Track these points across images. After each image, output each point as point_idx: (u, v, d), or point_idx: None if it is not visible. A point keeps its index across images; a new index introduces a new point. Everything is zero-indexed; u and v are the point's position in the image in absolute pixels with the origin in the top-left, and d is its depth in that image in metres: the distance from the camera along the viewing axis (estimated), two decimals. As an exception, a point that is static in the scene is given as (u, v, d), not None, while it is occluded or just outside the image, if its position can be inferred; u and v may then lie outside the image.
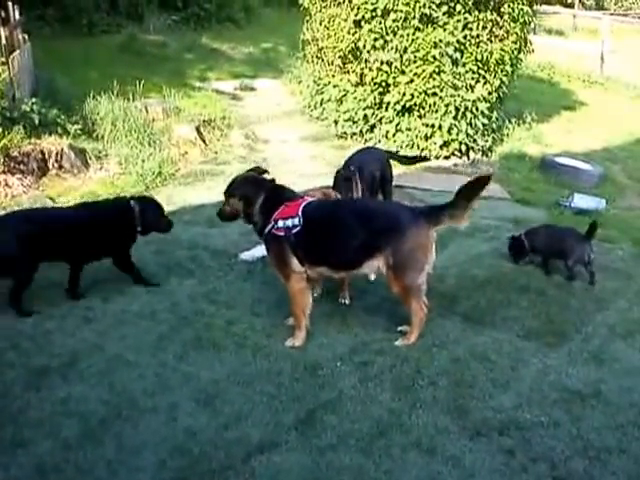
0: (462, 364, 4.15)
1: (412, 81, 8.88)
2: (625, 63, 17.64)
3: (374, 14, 8.77)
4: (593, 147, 10.99)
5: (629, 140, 11.89)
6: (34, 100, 7.57)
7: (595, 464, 3.31)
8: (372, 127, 9.40)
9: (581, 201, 7.91)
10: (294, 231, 4.19)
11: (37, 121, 7.32)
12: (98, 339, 4.21)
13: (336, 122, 9.59)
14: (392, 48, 8.87)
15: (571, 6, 35.02)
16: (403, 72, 8.93)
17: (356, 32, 9.04)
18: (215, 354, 4.09)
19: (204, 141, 8.75)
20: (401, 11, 8.63)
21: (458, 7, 8.77)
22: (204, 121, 9.11)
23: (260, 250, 5.69)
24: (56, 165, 7.19)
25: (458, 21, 8.84)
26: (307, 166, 8.40)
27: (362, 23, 8.96)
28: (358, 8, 8.88)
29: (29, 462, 3.14)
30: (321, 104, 10.00)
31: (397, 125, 9.16)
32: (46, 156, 7.13)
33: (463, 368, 4.10)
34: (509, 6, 9.13)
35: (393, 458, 3.27)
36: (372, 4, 8.71)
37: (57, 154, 7.20)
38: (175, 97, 9.63)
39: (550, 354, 4.35)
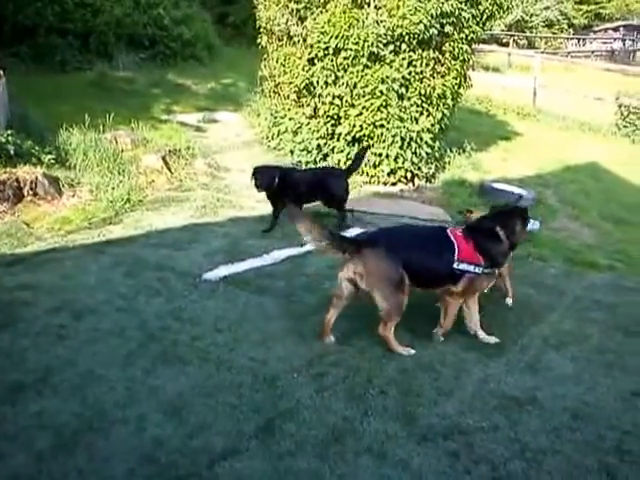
0: (410, 374, 4.20)
1: (361, 114, 9.01)
2: (554, 97, 18.14)
3: (326, 53, 8.90)
4: (527, 173, 11.25)
5: (559, 167, 12.20)
6: (9, 132, 7.45)
7: (532, 465, 3.38)
8: (325, 156, 9.50)
9: (517, 223, 8.05)
10: None
11: (12, 152, 7.21)
12: (71, 355, 4.16)
13: (292, 152, 9.66)
14: (343, 84, 9.01)
15: (506, 45, 36.00)
16: (353, 106, 9.06)
17: (310, 69, 9.17)
18: (181, 368, 4.07)
19: (170, 170, 8.72)
20: (351, 50, 8.77)
21: (403, 46, 8.95)
22: (170, 151, 9.08)
23: (223, 270, 5.74)
24: (31, 192, 7.08)
25: (403, 59, 9.01)
26: (265, 192, 8.41)
27: (315, 61, 9.08)
28: (312, 47, 9.01)
29: (4, 474, 3.08)
30: (278, 135, 10.07)
31: (348, 154, 9.25)
32: (21, 184, 7.02)
33: (411, 378, 4.16)
34: (450, 45, 9.36)
35: (347, 462, 3.30)
36: (324, 43, 8.83)
37: (32, 182, 7.09)
38: (143, 129, 9.59)
39: (490, 364, 4.44)
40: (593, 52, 41.27)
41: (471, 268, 4.45)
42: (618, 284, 6.56)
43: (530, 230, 7.83)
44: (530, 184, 10.43)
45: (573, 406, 3.95)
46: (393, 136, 9.11)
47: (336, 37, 8.75)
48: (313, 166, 9.26)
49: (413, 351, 4.47)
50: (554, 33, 44.11)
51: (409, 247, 4.46)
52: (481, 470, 3.31)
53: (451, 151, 10.79)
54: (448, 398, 3.96)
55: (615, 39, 44.55)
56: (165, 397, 3.74)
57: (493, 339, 4.74)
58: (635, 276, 6.93)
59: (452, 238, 4.49)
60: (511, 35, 38.43)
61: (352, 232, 7.28)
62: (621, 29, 45.37)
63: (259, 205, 7.79)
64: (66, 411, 3.56)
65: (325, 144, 9.48)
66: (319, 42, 8.88)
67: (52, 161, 7.70)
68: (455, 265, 4.44)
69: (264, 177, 6.89)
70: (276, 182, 6.88)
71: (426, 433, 3.58)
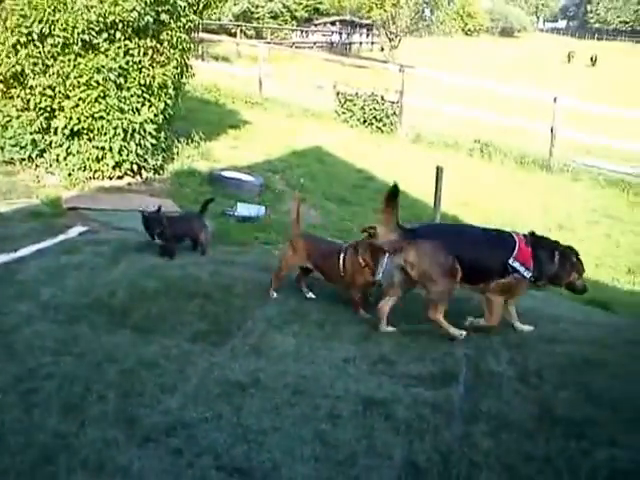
0: (132, 374, 3.97)
1: (78, 105, 8.43)
2: (280, 85, 18.81)
3: (30, 38, 8.11)
4: (256, 160, 11.48)
5: (286, 152, 12.66)
6: None
7: (253, 447, 3.33)
8: (42, 152, 8.78)
9: (244, 210, 8.21)
10: None
11: None
12: None
13: (2, 148, 8.75)
14: (54, 73, 8.35)
15: (235, 35, 36.69)
16: (68, 97, 8.44)
17: (15, 56, 8.33)
18: None
19: None
20: (59, 36, 8.11)
21: (118, 34, 8.52)
22: None
23: None
24: None
25: (119, 47, 8.59)
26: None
27: (19, 47, 8.26)
28: (12, 32, 8.19)
29: None
30: (-15, 131, 9.05)
31: (68, 149, 8.64)
32: None
33: (133, 378, 3.93)
34: (168, 34, 9.12)
35: (58, 483, 3.00)
36: (26, 28, 8.03)
37: None
38: None
39: (215, 352, 4.35)
40: (315, 43, 44.04)
41: (522, 269, 4.58)
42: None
43: (256, 216, 8.08)
44: (258, 170, 10.65)
45: (293, 382, 4.01)
46: (115, 128, 8.66)
47: (40, 22, 8.02)
48: None
49: (465, 332, 4.62)
50: (279, 24, 46.07)
51: (465, 242, 4.69)
52: (204, 461, 3.21)
53: (179, 141, 10.63)
54: (172, 394, 3.80)
55: (333, 32, 48.08)
56: None
57: (527, 327, 4.92)
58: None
59: (514, 237, 4.66)
60: (239, 25, 39.26)
61: (75, 230, 6.86)
62: (337, 23, 49.11)
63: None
64: None
65: (41, 139, 8.73)
66: (20, 26, 8.06)
67: None
68: (510, 261, 4.56)
69: None
70: None
71: (148, 434, 3.39)
